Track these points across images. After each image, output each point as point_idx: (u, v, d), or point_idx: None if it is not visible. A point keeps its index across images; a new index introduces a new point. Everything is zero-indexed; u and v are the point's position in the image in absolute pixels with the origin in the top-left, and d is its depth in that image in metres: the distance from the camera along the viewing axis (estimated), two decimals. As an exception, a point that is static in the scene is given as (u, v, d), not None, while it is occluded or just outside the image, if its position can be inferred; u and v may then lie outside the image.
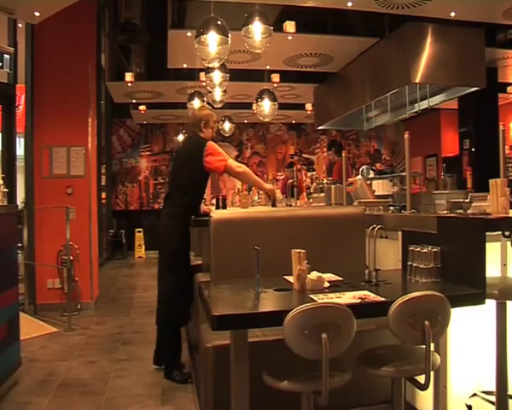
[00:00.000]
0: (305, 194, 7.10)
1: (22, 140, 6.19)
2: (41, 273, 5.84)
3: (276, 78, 7.89)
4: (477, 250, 2.11)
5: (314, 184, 10.24)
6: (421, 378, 1.88)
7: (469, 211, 2.63)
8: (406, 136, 3.28)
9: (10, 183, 5.25)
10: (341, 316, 1.75)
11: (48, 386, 3.51)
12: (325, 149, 13.19)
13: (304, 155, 13.38)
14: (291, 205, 5.85)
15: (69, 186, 5.89)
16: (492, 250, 2.44)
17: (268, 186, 3.81)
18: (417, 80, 6.05)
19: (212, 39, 4.31)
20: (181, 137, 11.47)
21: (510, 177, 7.01)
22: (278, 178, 13.01)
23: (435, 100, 7.09)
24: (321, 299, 1.93)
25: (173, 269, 3.59)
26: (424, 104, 6.96)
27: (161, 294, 3.68)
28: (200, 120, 3.74)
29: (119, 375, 3.74)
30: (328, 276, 2.31)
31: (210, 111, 3.86)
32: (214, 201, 6.92)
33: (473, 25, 6.14)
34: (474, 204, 2.71)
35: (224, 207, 4.44)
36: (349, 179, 4.83)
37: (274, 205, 3.71)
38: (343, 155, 4.66)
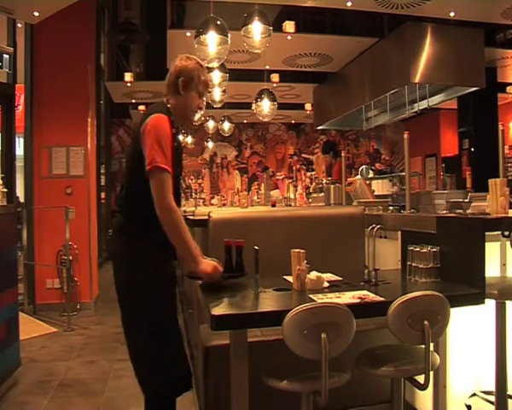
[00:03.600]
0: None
1: (22, 140, 6.20)
2: (40, 273, 5.83)
3: (275, 78, 7.90)
4: (476, 250, 2.11)
5: (313, 183, 10.26)
6: (421, 378, 1.87)
7: (469, 211, 2.63)
8: (406, 136, 3.28)
9: (10, 183, 5.25)
10: (341, 316, 1.75)
11: (47, 386, 3.51)
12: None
13: (303, 155, 13.38)
14: (290, 205, 5.85)
15: (68, 186, 5.89)
16: (492, 250, 2.44)
17: (203, 267, 2.10)
18: (417, 80, 6.06)
19: (212, 39, 4.32)
20: (181, 137, 11.48)
21: (510, 177, 7.02)
22: (278, 178, 13.02)
23: (435, 100, 7.10)
24: (320, 299, 1.92)
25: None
26: (423, 104, 6.97)
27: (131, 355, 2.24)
28: (178, 76, 2.24)
29: (118, 375, 3.73)
30: (328, 276, 2.31)
31: (198, 64, 2.29)
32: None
33: (472, 25, 6.15)
34: (473, 204, 2.71)
35: None
36: (348, 179, 4.83)
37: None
38: (342, 154, 4.66)
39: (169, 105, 2.25)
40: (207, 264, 2.12)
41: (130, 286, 2.14)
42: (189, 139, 11.50)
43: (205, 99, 2.37)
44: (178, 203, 2.19)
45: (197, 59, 2.33)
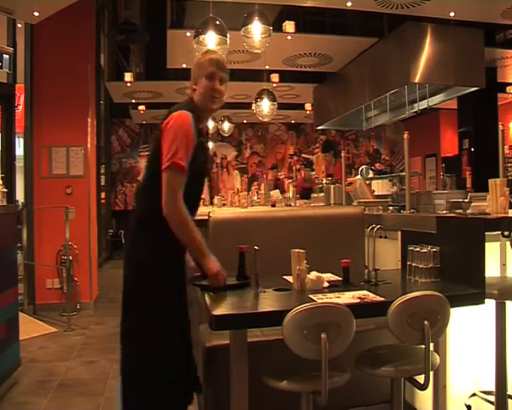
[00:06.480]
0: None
1: (21, 140, 6.20)
2: (40, 273, 5.83)
3: (275, 78, 7.90)
4: (476, 250, 2.11)
5: (313, 183, 10.23)
6: (421, 378, 1.87)
7: (469, 211, 2.63)
8: (405, 136, 3.27)
9: (10, 183, 5.25)
10: (341, 316, 1.75)
11: (47, 386, 3.51)
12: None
13: (303, 155, 13.38)
14: (290, 205, 5.85)
15: (68, 186, 5.89)
16: (492, 250, 2.44)
17: (212, 265, 2.10)
18: (417, 80, 6.06)
19: (211, 39, 4.32)
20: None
21: (509, 177, 7.02)
22: (278, 177, 13.02)
23: (434, 100, 7.10)
24: (320, 299, 1.92)
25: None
26: (423, 104, 6.97)
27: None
28: (192, 74, 2.25)
29: (118, 375, 3.73)
30: (328, 276, 2.31)
31: (204, 52, 2.35)
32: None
33: (472, 25, 6.15)
34: (473, 204, 2.71)
35: None
36: (348, 179, 4.83)
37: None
38: (342, 154, 4.66)
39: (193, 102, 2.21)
40: (215, 263, 2.10)
41: (143, 279, 2.10)
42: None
43: (222, 79, 2.19)
44: (195, 208, 2.20)
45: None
